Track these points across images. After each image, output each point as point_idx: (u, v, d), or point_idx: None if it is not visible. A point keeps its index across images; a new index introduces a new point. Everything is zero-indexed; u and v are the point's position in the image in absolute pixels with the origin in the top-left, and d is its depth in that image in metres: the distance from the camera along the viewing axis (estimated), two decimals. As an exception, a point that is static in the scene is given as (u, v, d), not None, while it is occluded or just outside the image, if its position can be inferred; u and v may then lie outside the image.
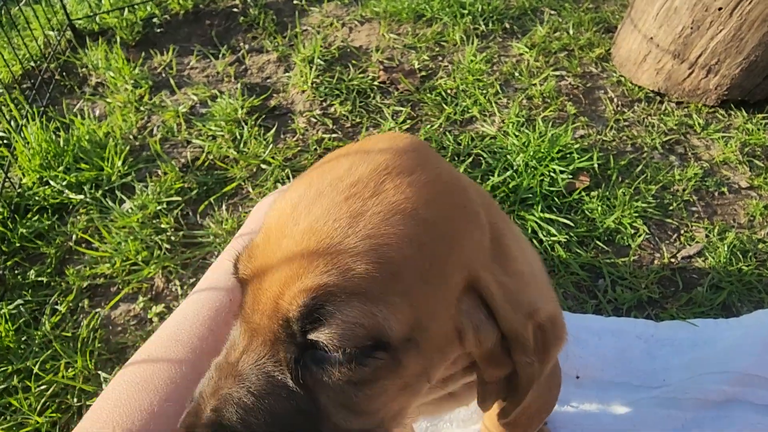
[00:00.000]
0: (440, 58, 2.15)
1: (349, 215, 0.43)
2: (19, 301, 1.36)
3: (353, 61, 2.10)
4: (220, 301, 0.64)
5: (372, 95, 1.97)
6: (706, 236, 1.50)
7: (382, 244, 0.42)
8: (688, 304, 1.34)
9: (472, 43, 2.15)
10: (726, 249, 1.44)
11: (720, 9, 1.68)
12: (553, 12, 2.37)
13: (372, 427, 0.47)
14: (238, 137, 1.79)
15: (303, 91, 1.98)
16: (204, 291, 0.65)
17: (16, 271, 1.45)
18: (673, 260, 1.45)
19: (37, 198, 1.61)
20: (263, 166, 1.69)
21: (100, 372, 1.23)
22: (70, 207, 1.61)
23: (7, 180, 1.61)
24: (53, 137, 1.72)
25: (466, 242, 0.48)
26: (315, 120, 1.87)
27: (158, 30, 2.31)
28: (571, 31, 2.23)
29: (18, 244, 1.49)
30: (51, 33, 2.22)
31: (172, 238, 1.50)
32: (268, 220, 0.49)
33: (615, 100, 1.96)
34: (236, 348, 0.46)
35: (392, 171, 0.47)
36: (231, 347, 0.47)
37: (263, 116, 1.89)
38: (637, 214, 1.53)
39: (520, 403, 0.55)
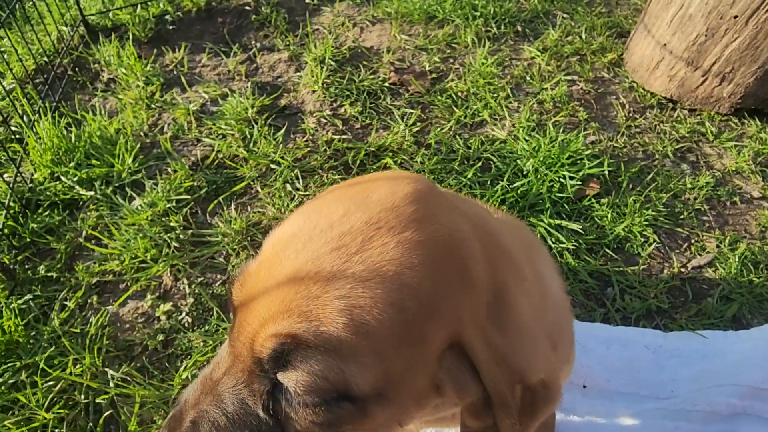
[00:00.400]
0: (451, 60, 2.14)
1: (331, 271, 0.43)
2: (29, 296, 1.37)
3: (364, 62, 2.10)
4: None
5: (382, 96, 1.97)
6: (717, 246, 1.48)
7: (357, 306, 0.42)
8: (698, 315, 1.33)
9: (484, 46, 2.14)
10: (737, 260, 1.43)
11: (735, 17, 1.67)
12: (565, 16, 2.36)
13: None
14: (248, 136, 1.79)
15: (313, 91, 1.98)
16: None
17: (26, 266, 1.46)
18: (683, 270, 1.43)
19: (48, 193, 1.62)
20: (273, 166, 1.70)
21: (107, 369, 1.23)
22: (81, 203, 1.62)
23: (18, 175, 1.62)
24: (65, 133, 1.73)
25: (452, 304, 0.47)
26: (325, 120, 1.87)
27: (170, 27, 2.32)
28: (583, 36, 2.22)
29: (29, 239, 1.50)
30: (64, 28, 2.23)
31: (181, 236, 1.51)
32: (264, 250, 0.50)
33: (627, 106, 1.95)
34: (220, 367, 0.49)
35: (383, 226, 0.45)
36: (217, 364, 0.50)
37: (273, 116, 1.89)
38: (647, 223, 1.52)
39: None
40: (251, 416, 0.46)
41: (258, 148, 1.74)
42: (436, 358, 0.47)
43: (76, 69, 2.12)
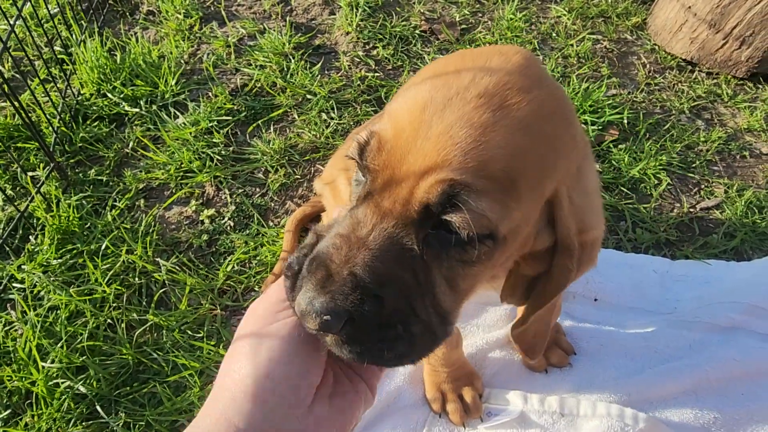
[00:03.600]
0: (480, 15, 2.21)
1: (480, 125, 0.48)
2: (81, 195, 1.47)
3: (397, 8, 2.17)
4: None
5: (413, 42, 2.04)
6: (725, 192, 1.58)
7: (508, 154, 0.48)
8: (703, 248, 1.43)
9: (513, 1, 2.21)
10: (743, 204, 1.52)
11: (761, -21, 1.74)
12: (592, -20, 2.41)
13: (452, 306, 0.55)
14: (285, 69, 1.87)
15: (347, 33, 2.05)
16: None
17: (77, 170, 1.55)
18: (692, 210, 1.53)
19: (95, 107, 1.71)
20: (309, 96, 1.78)
21: (158, 259, 1.34)
22: (126, 118, 1.70)
23: (68, 88, 1.70)
24: (109, 56, 1.80)
25: (564, 160, 0.54)
26: (358, 60, 1.94)
27: (207, -34, 2.37)
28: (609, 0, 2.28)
29: (79, 145, 1.59)
30: (105, -40, 2.28)
31: (223, 152, 1.60)
32: (396, 117, 0.52)
33: (647, 65, 2.03)
34: (364, 226, 0.51)
35: (513, 87, 0.50)
36: (357, 224, 0.51)
37: (309, 52, 1.97)
38: (661, 167, 1.61)
39: (542, 306, 0.64)
40: (408, 261, 0.50)
41: (295, 80, 1.83)
42: (540, 208, 0.55)
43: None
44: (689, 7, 1.95)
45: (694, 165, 1.66)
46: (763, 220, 1.49)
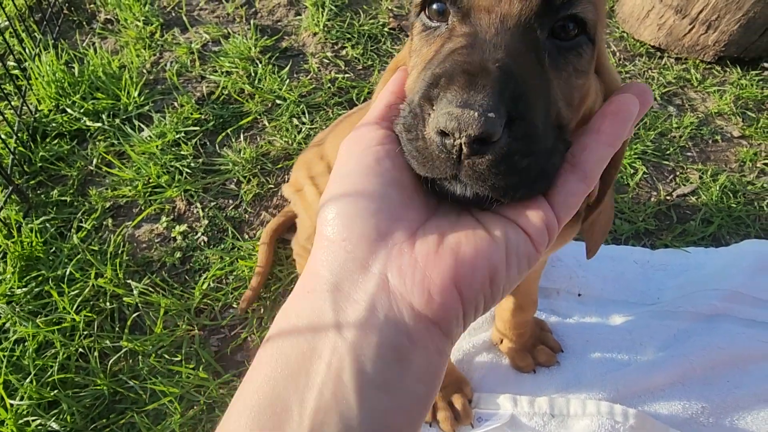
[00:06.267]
0: (449, 9, 2.19)
1: None
2: (44, 218, 1.40)
3: (364, 6, 2.13)
4: None
5: (383, 40, 2.01)
6: (700, 177, 1.59)
7: None
8: (682, 235, 1.44)
9: (481, -5, 2.19)
10: (718, 189, 1.54)
11: (724, -36, 1.75)
12: (559, -31, 2.41)
13: (570, 122, 0.51)
14: (253, 74, 1.82)
15: (315, 34, 2.00)
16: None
17: (38, 191, 1.48)
18: (668, 198, 1.54)
19: (54, 124, 1.63)
20: (278, 101, 1.73)
21: (129, 281, 1.28)
22: (88, 134, 1.63)
23: (24, 105, 1.63)
24: (66, 69, 1.73)
25: None
26: (327, 61, 1.90)
27: (166, -30, 2.29)
28: (576, -12, 2.28)
29: (40, 165, 1.52)
30: (57, -33, 2.19)
31: (192, 164, 1.54)
32: None
33: (617, 53, 2.03)
34: (486, 31, 0.45)
35: None
36: (475, 34, 0.45)
37: (276, 55, 1.92)
38: (636, 156, 1.62)
39: (613, 181, 0.61)
40: (536, 65, 0.45)
41: (263, 85, 1.78)
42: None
43: (72, 8, 2.09)
44: (655, -6, 1.96)
45: (668, 152, 1.67)
46: (738, 204, 1.50)
